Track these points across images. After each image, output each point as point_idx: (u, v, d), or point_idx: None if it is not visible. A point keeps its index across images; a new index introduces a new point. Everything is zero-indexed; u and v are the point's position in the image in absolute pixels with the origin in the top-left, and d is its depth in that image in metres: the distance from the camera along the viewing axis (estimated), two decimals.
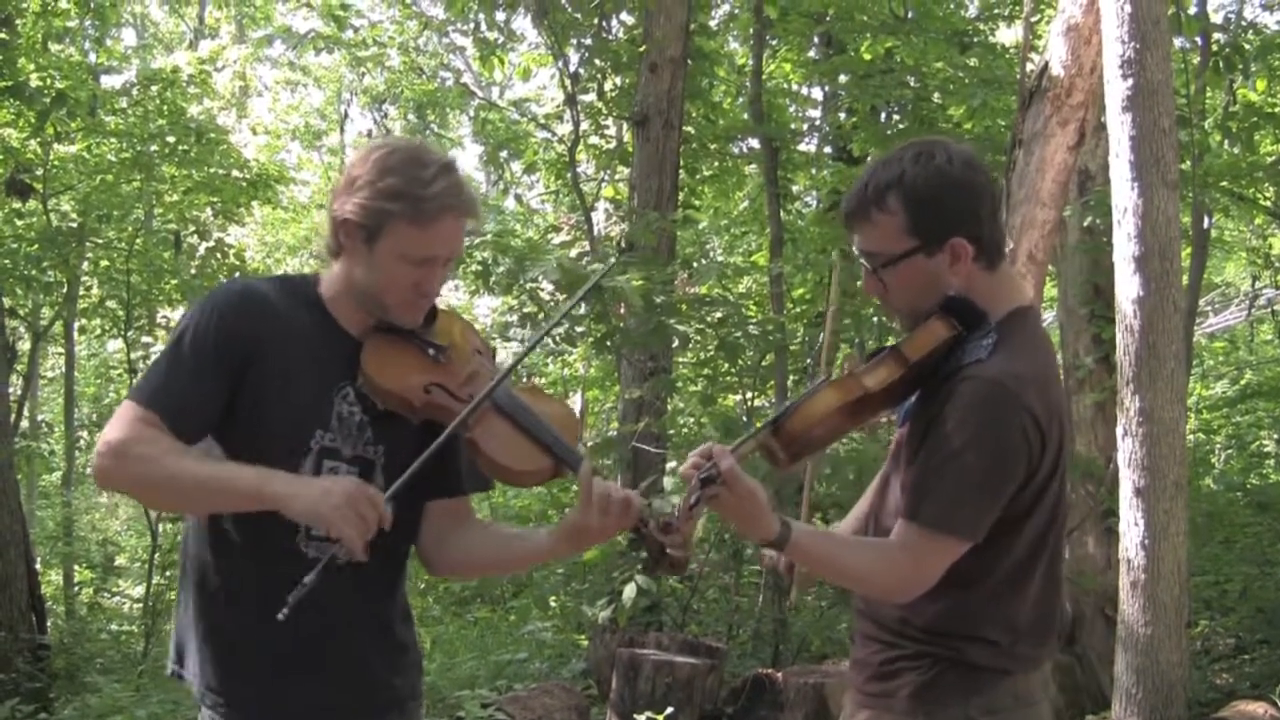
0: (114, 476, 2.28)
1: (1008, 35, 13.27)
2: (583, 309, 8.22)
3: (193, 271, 12.03)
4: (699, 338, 9.03)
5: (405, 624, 2.54)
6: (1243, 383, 15.10)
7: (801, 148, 13.14)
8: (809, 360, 9.65)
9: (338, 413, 2.39)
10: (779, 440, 2.41)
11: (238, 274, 12.24)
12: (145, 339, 12.22)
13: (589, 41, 11.45)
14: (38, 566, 9.65)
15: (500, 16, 12.39)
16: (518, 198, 18.03)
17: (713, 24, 13.04)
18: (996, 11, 12.18)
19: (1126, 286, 5.56)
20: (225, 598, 2.39)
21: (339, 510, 2.16)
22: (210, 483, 2.24)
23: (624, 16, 11.73)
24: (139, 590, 12.16)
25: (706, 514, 2.37)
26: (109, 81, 14.28)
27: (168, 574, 10.56)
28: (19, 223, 11.98)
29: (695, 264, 12.31)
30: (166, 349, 2.37)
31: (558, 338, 8.63)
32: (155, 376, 2.33)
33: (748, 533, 2.38)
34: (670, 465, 8.41)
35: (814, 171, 12.76)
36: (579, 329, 8.64)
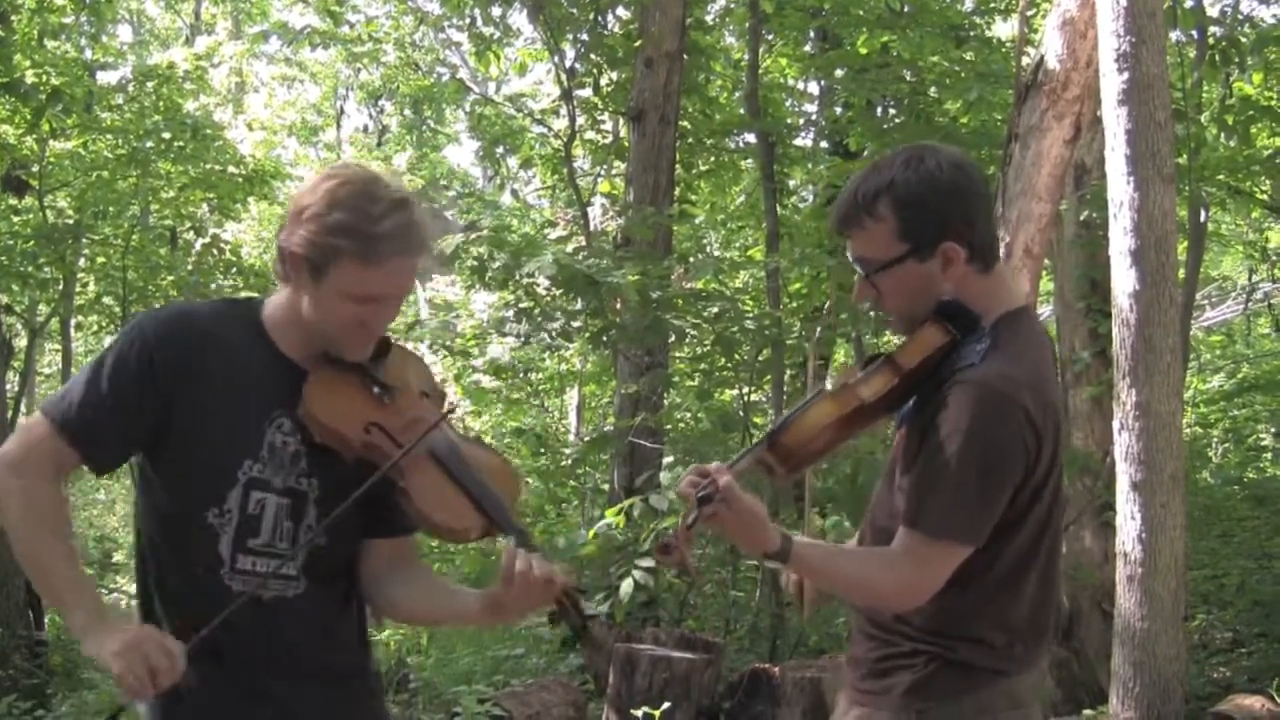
0: None
1: (1004, 29, 13.26)
2: (579, 304, 8.23)
3: (189, 268, 12.01)
4: (695, 333, 9.02)
5: (351, 653, 2.46)
6: (1239, 376, 15.10)
7: (798, 142, 13.13)
8: (805, 355, 9.65)
9: (270, 443, 2.30)
10: (775, 455, 2.40)
11: (243, 277, 12.25)
12: None
13: (585, 36, 11.45)
14: None
15: (496, 11, 12.39)
16: (514, 193, 18.00)
17: (709, 19, 13.02)
18: (992, 5, 12.18)
19: (1123, 280, 5.56)
20: (164, 626, 2.34)
21: (119, 656, 2.12)
22: (39, 575, 2.30)
23: (620, 11, 11.72)
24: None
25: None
26: (105, 78, 14.23)
27: None
28: (15, 219, 11.98)
29: (692, 259, 12.30)
30: (88, 368, 2.30)
31: (554, 333, 8.63)
32: (71, 397, 2.27)
33: (749, 547, 2.36)
34: (667, 460, 8.41)
35: (810, 166, 12.73)
36: (575, 324, 8.64)
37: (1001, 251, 6.55)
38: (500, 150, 15.11)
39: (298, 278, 2.28)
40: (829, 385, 2.49)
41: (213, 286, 11.80)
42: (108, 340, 15.56)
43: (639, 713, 5.96)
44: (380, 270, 2.22)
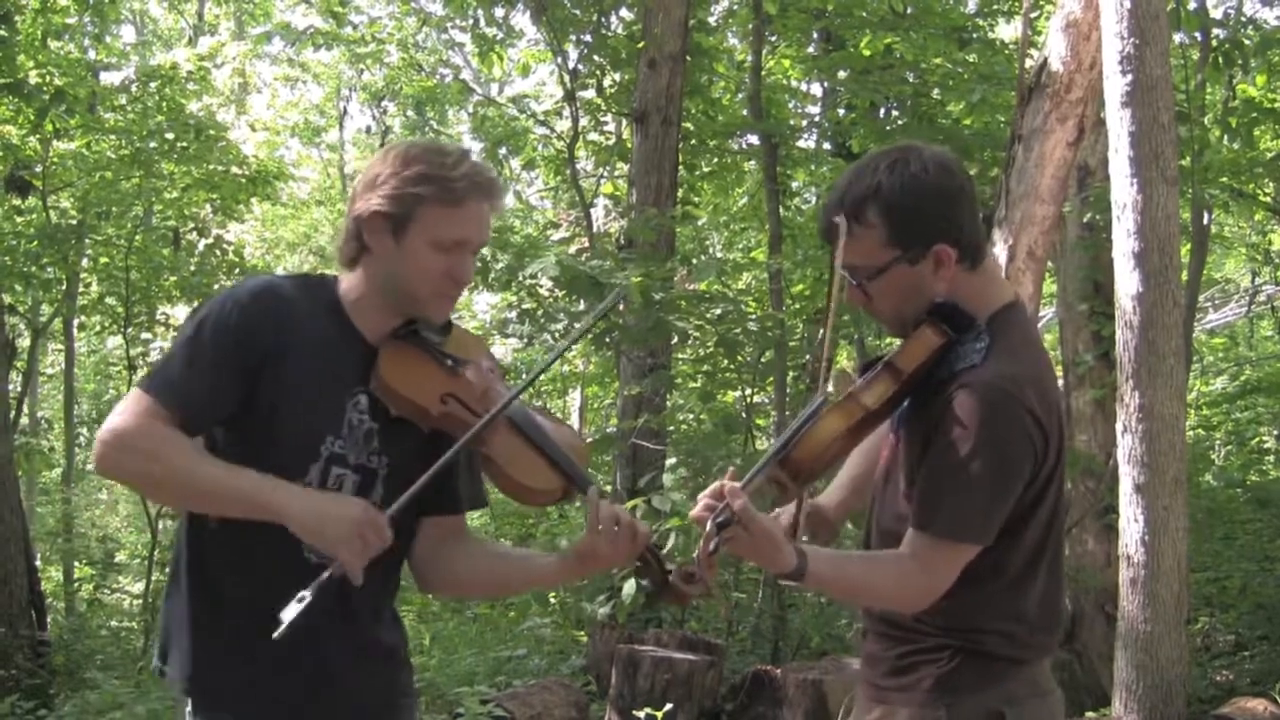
0: (115, 466, 2.28)
1: (1007, 31, 13.26)
2: (582, 305, 8.22)
3: (192, 268, 12.02)
4: (698, 334, 9.01)
5: (391, 630, 2.53)
6: (1242, 379, 15.08)
7: (801, 144, 13.10)
8: (808, 356, 9.66)
9: (348, 420, 2.37)
10: (786, 471, 2.41)
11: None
12: (144, 335, 12.21)
13: (588, 38, 11.44)
14: (38, 563, 9.65)
15: (499, 12, 12.39)
16: (517, 194, 18.03)
17: (712, 20, 13.01)
18: (996, 7, 12.16)
19: (1126, 282, 5.56)
20: (216, 599, 2.38)
21: (341, 533, 2.18)
22: (213, 485, 2.24)
23: (623, 12, 11.72)
24: (139, 587, 12.16)
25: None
26: (108, 78, 14.30)
27: (167, 570, 10.55)
28: (19, 220, 12.00)
29: (694, 260, 12.29)
30: (183, 339, 2.31)
31: (557, 334, 8.62)
32: (170, 367, 2.29)
33: (766, 567, 2.38)
34: (670, 462, 8.42)
35: (813, 168, 12.74)
36: (578, 325, 8.62)
37: (1005, 254, 6.58)
38: (503, 151, 15.12)
39: (378, 241, 2.36)
40: (830, 389, 2.49)
41: (215, 287, 11.81)
42: (111, 341, 15.65)
43: (641, 714, 5.96)
44: (463, 211, 2.34)
